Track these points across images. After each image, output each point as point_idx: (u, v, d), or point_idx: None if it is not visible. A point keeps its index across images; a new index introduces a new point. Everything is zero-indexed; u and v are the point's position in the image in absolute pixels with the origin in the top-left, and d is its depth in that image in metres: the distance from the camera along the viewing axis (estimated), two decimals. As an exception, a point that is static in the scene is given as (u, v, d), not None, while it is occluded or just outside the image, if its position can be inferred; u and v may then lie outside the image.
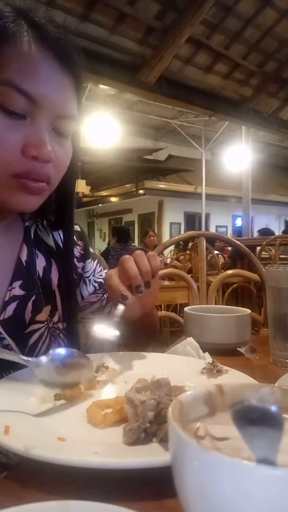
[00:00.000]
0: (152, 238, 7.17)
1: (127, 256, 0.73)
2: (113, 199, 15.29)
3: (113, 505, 0.27)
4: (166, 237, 12.76)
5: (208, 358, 0.73)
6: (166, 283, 3.04)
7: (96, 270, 0.88)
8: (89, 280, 0.86)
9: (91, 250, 0.89)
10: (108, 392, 0.59)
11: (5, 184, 0.61)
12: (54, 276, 0.78)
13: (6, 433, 0.42)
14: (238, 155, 9.12)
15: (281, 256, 4.07)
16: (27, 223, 0.77)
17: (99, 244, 14.84)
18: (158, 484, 0.36)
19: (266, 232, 6.58)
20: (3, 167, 0.60)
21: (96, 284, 0.87)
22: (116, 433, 0.46)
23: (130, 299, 0.70)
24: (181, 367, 0.66)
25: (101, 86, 6.31)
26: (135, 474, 0.37)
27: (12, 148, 0.59)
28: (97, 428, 0.48)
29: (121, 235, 5.69)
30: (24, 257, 0.73)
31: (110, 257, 5.01)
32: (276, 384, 0.45)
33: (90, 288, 0.86)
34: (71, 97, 0.65)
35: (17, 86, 0.57)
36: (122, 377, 0.63)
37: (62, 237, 0.82)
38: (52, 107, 0.61)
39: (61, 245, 0.82)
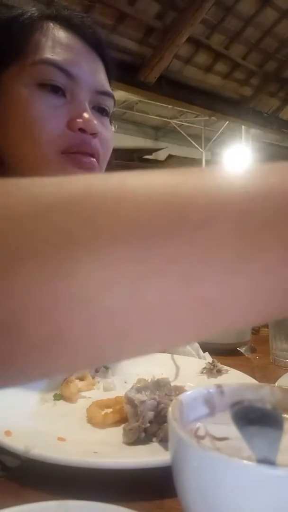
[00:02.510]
0: None
1: None
2: (113, 199, 15.26)
3: (113, 505, 0.27)
4: (166, 237, 12.72)
5: (208, 358, 0.73)
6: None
7: None
8: None
9: None
10: (108, 392, 0.59)
11: (57, 162, 0.61)
12: None
13: (7, 434, 0.42)
14: (238, 155, 9.11)
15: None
16: None
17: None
18: (158, 484, 0.36)
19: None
20: (53, 144, 0.60)
21: None
22: (116, 433, 0.46)
23: None
24: (181, 367, 0.66)
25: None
26: (135, 474, 0.37)
27: (58, 124, 0.60)
28: (97, 428, 0.48)
29: None
30: None
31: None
32: (276, 384, 0.45)
33: None
34: (105, 78, 0.67)
35: (54, 62, 0.60)
36: (122, 377, 0.63)
37: None
38: (89, 83, 0.63)
39: None
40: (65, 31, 0.63)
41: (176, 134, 10.99)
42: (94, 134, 0.62)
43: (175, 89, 6.71)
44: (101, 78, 0.66)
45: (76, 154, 0.62)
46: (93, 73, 0.64)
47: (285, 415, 0.30)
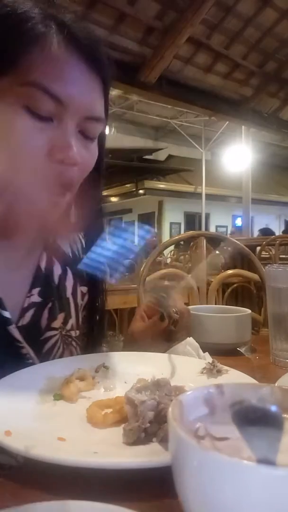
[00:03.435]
0: (153, 238, 7.20)
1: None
2: (113, 199, 15.28)
3: (113, 505, 0.27)
4: (166, 237, 12.76)
5: (208, 358, 0.73)
6: (166, 283, 3.03)
7: None
8: None
9: None
10: (108, 392, 0.59)
11: (31, 188, 0.60)
12: (69, 284, 0.78)
13: (7, 434, 0.42)
14: (238, 155, 9.12)
15: (281, 256, 4.07)
16: None
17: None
18: (158, 484, 0.36)
19: (266, 232, 6.57)
20: (29, 172, 0.58)
21: None
22: (116, 433, 0.46)
23: (165, 322, 0.78)
24: (181, 367, 0.66)
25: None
26: (135, 474, 0.37)
27: (37, 151, 0.58)
28: (97, 428, 0.48)
29: None
30: (43, 265, 0.73)
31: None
32: (276, 384, 0.45)
33: None
34: (98, 99, 0.63)
35: (45, 89, 0.56)
36: (122, 377, 0.63)
37: (77, 245, 0.83)
38: (79, 109, 0.60)
39: (77, 254, 0.82)
40: (65, 48, 0.58)
41: (176, 134, 11.00)
42: (73, 164, 0.60)
43: (175, 89, 6.71)
44: (93, 103, 0.62)
45: (52, 188, 0.60)
46: (86, 98, 0.60)
47: (285, 415, 0.30)
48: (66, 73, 0.58)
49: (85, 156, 0.63)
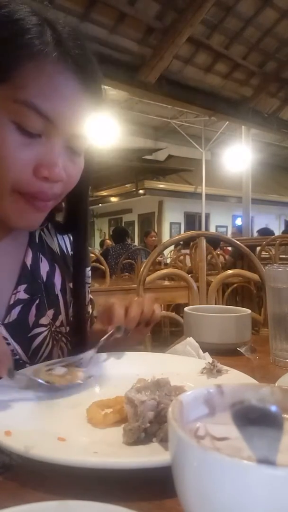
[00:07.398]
0: (154, 238, 7.21)
1: (127, 302, 0.72)
2: (113, 199, 15.29)
3: (113, 505, 0.27)
4: (166, 237, 12.76)
5: (208, 358, 0.73)
6: (166, 283, 3.04)
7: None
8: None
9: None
10: (108, 392, 0.59)
11: (10, 199, 0.61)
12: (57, 280, 0.78)
13: (7, 434, 0.42)
14: (238, 155, 9.11)
15: (281, 256, 4.07)
16: None
17: (99, 244, 14.84)
18: (158, 484, 0.36)
19: (265, 232, 6.57)
20: (10, 184, 0.59)
21: (90, 295, 0.88)
22: (116, 433, 0.46)
23: (120, 332, 0.69)
24: (181, 367, 0.66)
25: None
26: (135, 474, 0.37)
27: (24, 167, 0.59)
28: (97, 428, 0.48)
29: (116, 236, 5.75)
30: (29, 261, 0.73)
31: (109, 257, 5.02)
32: (276, 384, 0.45)
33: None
34: (87, 115, 0.64)
35: (36, 107, 0.57)
36: (122, 377, 0.63)
37: (66, 241, 0.84)
38: (69, 127, 0.61)
39: (65, 250, 0.83)
40: (59, 66, 0.58)
41: (176, 134, 11.00)
42: (57, 181, 0.61)
43: (175, 89, 6.71)
44: (83, 120, 0.63)
45: (32, 199, 0.61)
46: (76, 116, 0.61)
47: (285, 415, 0.30)
48: (58, 92, 0.59)
49: (71, 171, 0.64)
